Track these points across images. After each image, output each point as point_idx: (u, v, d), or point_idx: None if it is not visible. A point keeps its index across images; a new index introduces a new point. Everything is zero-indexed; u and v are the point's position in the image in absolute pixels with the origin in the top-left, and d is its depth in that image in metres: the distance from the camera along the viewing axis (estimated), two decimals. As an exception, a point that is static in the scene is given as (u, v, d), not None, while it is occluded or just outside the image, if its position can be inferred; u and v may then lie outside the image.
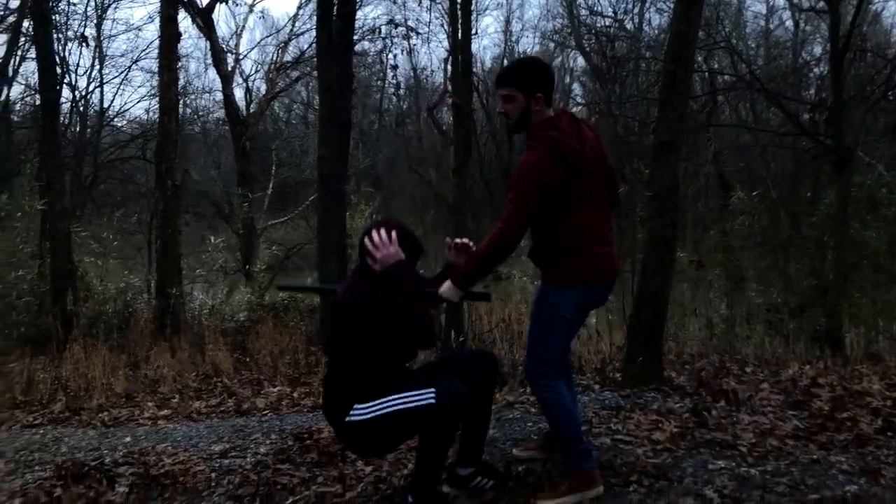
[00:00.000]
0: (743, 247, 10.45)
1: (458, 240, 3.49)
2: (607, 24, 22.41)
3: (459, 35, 5.85)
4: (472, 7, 5.99)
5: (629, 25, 22.81)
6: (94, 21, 18.03)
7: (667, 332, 7.57)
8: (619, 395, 4.95)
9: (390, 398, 3.00)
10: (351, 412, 3.07)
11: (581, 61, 25.28)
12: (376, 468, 3.91)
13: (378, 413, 3.01)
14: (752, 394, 4.86)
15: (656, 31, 21.64)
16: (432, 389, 2.95)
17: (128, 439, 4.74)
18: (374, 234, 3.12)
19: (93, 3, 17.35)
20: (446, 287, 3.30)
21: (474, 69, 29.12)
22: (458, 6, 5.78)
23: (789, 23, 20.92)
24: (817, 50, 19.30)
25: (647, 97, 11.59)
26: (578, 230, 3.28)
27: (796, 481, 3.36)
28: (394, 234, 3.13)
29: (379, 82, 24.31)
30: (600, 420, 4.43)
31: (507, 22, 31.52)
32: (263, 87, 17.46)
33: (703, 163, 13.69)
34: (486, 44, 62.83)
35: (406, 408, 2.96)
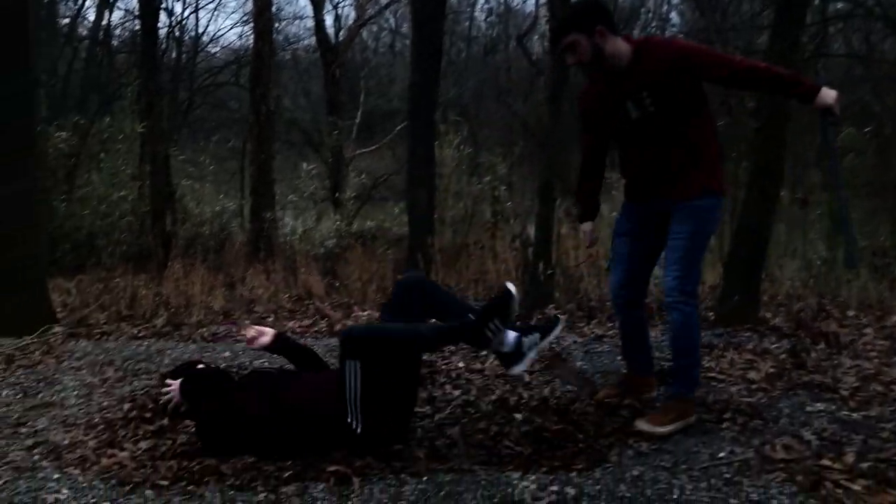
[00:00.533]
0: (854, 185, 9.89)
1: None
2: (711, -53, 21.15)
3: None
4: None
5: (735, -51, 21.48)
6: (189, -54, 18.17)
7: (763, 272, 7.34)
8: (712, 334, 4.85)
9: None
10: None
11: (681, -11, 24.02)
12: (465, 392, 3.97)
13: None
14: (854, 338, 4.68)
15: (764, -44, 20.30)
16: None
17: (227, 354, 4.95)
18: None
19: (189, -71, 17.47)
20: (820, 97, 3.00)
21: (567, -4, 28.20)
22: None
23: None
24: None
25: (753, 25, 10.97)
26: (716, 136, 3.36)
27: (906, 428, 3.23)
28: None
29: (468, 9, 23.83)
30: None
31: (605, -55, 30.03)
32: (353, 14, 17.41)
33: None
34: (579, -30, 60.38)
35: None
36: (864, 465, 2.84)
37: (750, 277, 4.99)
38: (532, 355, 3.27)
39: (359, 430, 3.13)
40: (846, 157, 9.09)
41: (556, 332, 3.38)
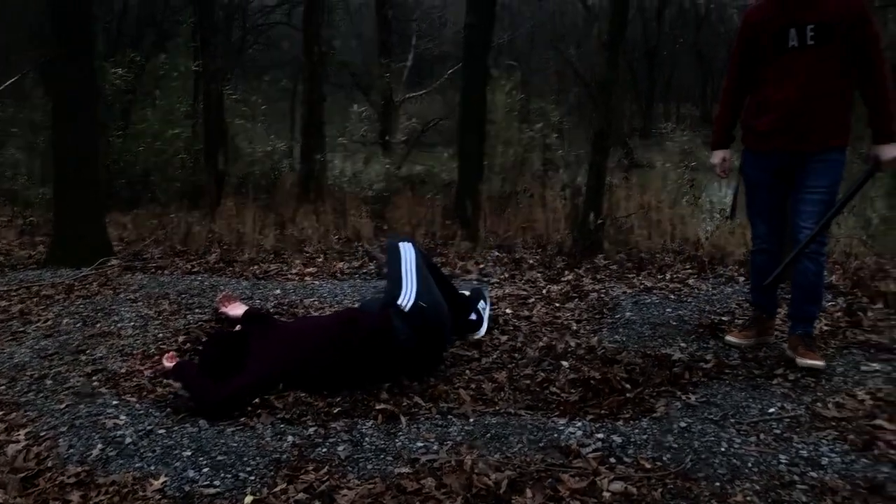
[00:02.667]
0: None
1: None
2: None
3: None
4: None
5: None
6: None
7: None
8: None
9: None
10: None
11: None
12: (511, 338, 3.99)
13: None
14: (910, 298, 4.55)
15: None
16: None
17: (278, 291, 5.04)
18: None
19: None
20: (886, 149, 3.28)
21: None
22: None
23: None
24: None
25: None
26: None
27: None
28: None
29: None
30: (744, 312, 4.31)
31: None
32: (406, -45, 17.06)
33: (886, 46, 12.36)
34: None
35: None
36: (919, 426, 2.80)
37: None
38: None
39: (409, 305, 3.41)
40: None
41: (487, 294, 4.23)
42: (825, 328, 3.98)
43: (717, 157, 3.74)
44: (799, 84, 3.33)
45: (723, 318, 4.19)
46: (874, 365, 3.46)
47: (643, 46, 27.31)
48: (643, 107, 27.20)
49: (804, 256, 3.40)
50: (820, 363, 3.37)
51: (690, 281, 5.10)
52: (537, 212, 7.64)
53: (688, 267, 5.61)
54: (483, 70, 7.46)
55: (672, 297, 4.70)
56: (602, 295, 4.77)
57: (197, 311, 4.62)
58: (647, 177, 10.62)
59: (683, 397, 3.14)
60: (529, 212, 7.85)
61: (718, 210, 9.00)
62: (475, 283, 5.15)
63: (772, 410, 2.99)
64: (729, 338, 3.80)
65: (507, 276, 5.49)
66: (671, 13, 28.43)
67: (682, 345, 3.80)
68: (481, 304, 4.21)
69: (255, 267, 5.90)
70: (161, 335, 4.13)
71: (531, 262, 5.94)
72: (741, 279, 5.10)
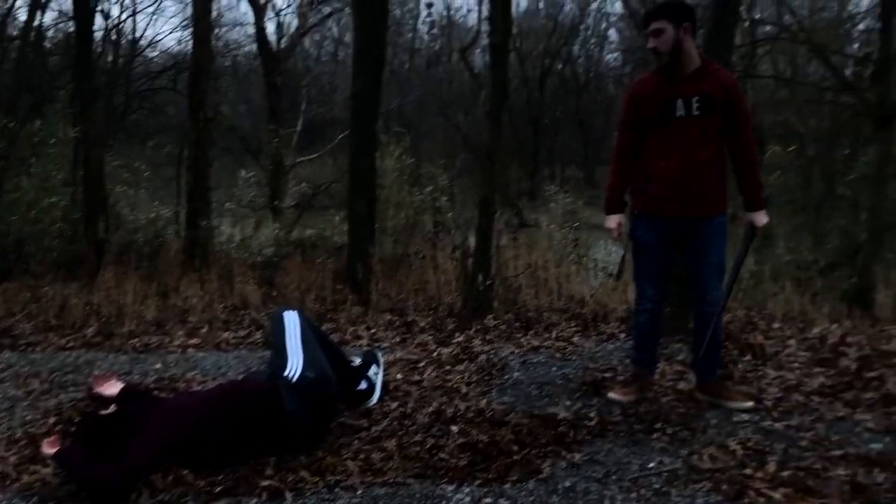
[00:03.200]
0: (775, 203, 10.26)
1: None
2: (648, -32, 21.74)
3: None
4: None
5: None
6: (127, -52, 17.80)
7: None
8: (644, 345, 4.96)
9: None
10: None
11: (619, 6, 24.62)
12: (401, 404, 3.98)
13: None
14: (778, 349, 4.84)
15: (698, -22, 20.94)
16: None
17: (158, 365, 4.85)
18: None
19: (126, -70, 17.12)
20: (759, 216, 3.69)
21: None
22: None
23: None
24: (864, 2, 18.61)
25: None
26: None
27: (821, 437, 3.37)
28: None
29: (412, 21, 23.94)
30: (625, 368, 4.46)
31: (546, -39, 30.61)
32: (295, 22, 17.26)
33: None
34: (521, -16, 61.41)
35: None
36: (785, 473, 2.96)
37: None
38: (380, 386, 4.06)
39: (295, 377, 3.36)
40: (773, 174, 9.43)
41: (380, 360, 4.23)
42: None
43: (612, 221, 3.81)
44: (686, 153, 3.56)
45: (605, 375, 4.33)
46: (744, 415, 3.64)
47: (528, 114, 28.39)
48: (530, 170, 28.13)
49: (712, 315, 3.66)
50: (748, 403, 3.68)
51: (575, 339, 5.26)
52: (429, 273, 7.72)
53: (573, 325, 5.79)
54: (371, 136, 7.57)
55: (558, 355, 4.83)
56: (491, 356, 4.85)
57: (71, 389, 4.38)
58: (534, 237, 10.94)
59: (568, 456, 3.20)
60: (422, 273, 7.92)
61: (602, 268, 9.36)
62: (367, 348, 5.12)
63: (651, 465, 3.09)
64: (611, 395, 3.92)
65: (398, 340, 5.49)
66: (553, 83, 29.78)
67: (567, 403, 3.90)
68: (373, 371, 4.19)
69: (136, 340, 5.67)
70: (30, 417, 3.89)
71: (423, 324, 5.97)
72: (622, 336, 5.29)
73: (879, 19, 8.15)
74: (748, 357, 4.62)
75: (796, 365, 4.49)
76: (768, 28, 14.37)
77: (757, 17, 15.65)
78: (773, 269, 9.23)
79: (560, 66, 30.27)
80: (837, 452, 3.19)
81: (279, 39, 17.96)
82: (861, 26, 15.95)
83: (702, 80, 3.56)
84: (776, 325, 5.66)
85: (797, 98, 12.25)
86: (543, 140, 30.40)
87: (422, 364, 4.74)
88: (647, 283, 3.81)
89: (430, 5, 17.32)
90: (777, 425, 3.53)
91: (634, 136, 3.73)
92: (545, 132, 30.37)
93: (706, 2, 6.75)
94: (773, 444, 3.28)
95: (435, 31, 24.97)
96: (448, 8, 24.88)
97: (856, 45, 15.31)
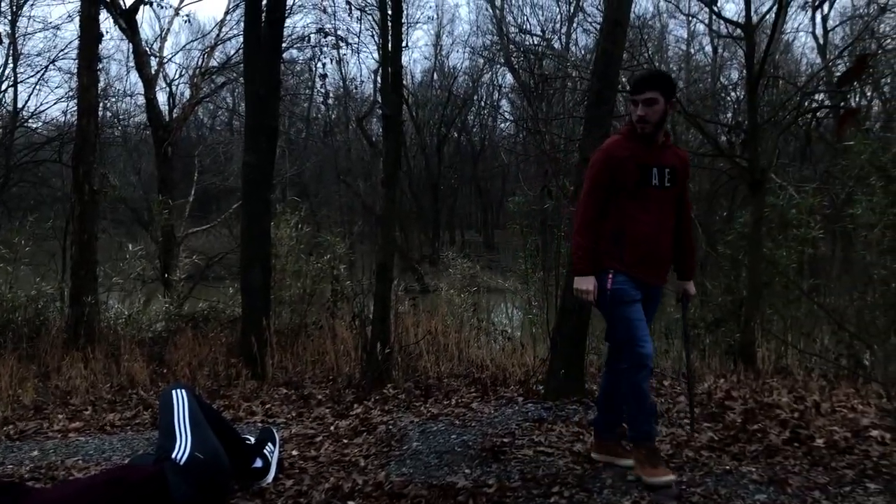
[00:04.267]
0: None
1: None
2: (535, 42, 22.81)
3: (389, 46, 5.84)
4: (403, 20, 6.00)
5: (556, 44, 23.27)
6: (9, 17, 17.30)
7: (589, 345, 7.73)
8: (541, 408, 5.01)
9: None
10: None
11: (509, 78, 25.63)
12: (297, 482, 3.85)
13: None
14: (669, 406, 4.98)
15: (582, 51, 22.17)
16: None
17: (35, 453, 4.53)
18: None
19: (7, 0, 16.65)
20: (691, 285, 3.94)
21: (404, 82, 29.32)
22: (389, 18, 5.77)
23: (709, 48, 21.71)
24: (734, 75, 20.11)
25: (573, 115, 11.81)
26: None
27: (710, 491, 3.45)
28: None
29: (308, 91, 24.12)
30: (523, 432, 4.48)
31: (438, 36, 31.76)
32: (188, 92, 17.04)
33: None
34: (416, 57, 63.30)
35: None
36: (677, 530, 3.00)
37: (575, 352, 5.22)
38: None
39: (184, 458, 3.21)
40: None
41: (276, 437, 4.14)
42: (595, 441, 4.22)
43: (588, 283, 3.64)
44: (657, 220, 3.65)
45: (504, 440, 4.33)
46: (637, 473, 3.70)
47: (427, 180, 28.86)
48: (431, 236, 28.44)
49: (650, 372, 3.72)
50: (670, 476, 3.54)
51: (474, 405, 5.25)
52: (327, 344, 7.60)
53: (472, 390, 5.78)
54: (265, 205, 7.49)
55: (457, 422, 4.80)
56: (390, 426, 4.77)
57: (-68, 485, 4.01)
58: (435, 302, 10.98)
59: (467, 526, 3.16)
60: (320, 344, 7.78)
61: (501, 331, 9.46)
62: (263, 425, 4.95)
63: (549, 530, 3.08)
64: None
65: (294, 414, 5.34)
66: (450, 150, 30.50)
67: (467, 471, 3.86)
68: (269, 448, 4.04)
69: (10, 427, 5.28)
70: None
71: (320, 397, 5.84)
72: (520, 399, 5.32)
73: (746, 90, 8.77)
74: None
75: (686, 421, 4.62)
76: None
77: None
78: (665, 327, 9.58)
79: (456, 135, 31.08)
80: (725, 506, 3.28)
81: (171, 109, 17.70)
82: (733, 95, 17.18)
83: (667, 152, 3.69)
84: (667, 383, 5.83)
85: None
86: (443, 206, 30.91)
87: (319, 438, 4.62)
88: (645, 337, 3.58)
89: (323, 76, 17.47)
90: (671, 482, 3.59)
91: (605, 198, 3.66)
92: (445, 198, 30.92)
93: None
94: (666, 501, 3.34)
95: (331, 101, 25.20)
96: (344, 79, 25.13)
97: (729, 114, 16.44)
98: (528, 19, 24.63)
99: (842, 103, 12.76)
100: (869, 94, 18.86)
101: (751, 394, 5.31)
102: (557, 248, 7.43)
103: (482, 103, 31.13)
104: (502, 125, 30.36)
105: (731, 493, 3.43)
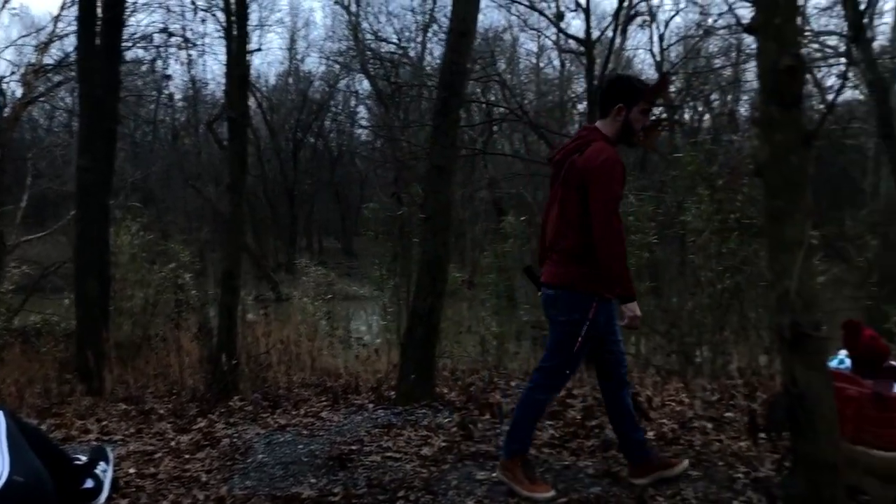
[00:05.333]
0: (514, 267, 11.09)
1: None
2: (392, 49, 22.95)
3: (235, 48, 5.70)
4: (251, 22, 5.88)
5: (412, 53, 23.52)
6: None
7: (442, 350, 7.85)
8: (391, 413, 5.03)
9: None
10: None
11: (367, 84, 25.65)
12: (133, 500, 3.67)
13: None
14: (514, 406, 5.12)
15: (437, 61, 22.52)
16: None
17: None
18: None
19: None
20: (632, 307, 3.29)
21: (259, 85, 28.65)
22: (234, 19, 5.63)
23: (557, 62, 22.67)
24: (581, 88, 21.09)
25: (426, 123, 11.99)
26: None
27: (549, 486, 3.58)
28: None
29: (155, 93, 23.07)
30: (372, 438, 4.48)
31: (293, 40, 31.24)
32: (20, 90, 15.84)
33: (479, 188, 14.43)
34: (270, 60, 62.06)
35: None
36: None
37: (425, 357, 5.28)
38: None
39: (1, 483, 2.95)
40: (507, 241, 10.17)
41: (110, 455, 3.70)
42: (443, 444, 4.28)
43: (636, 308, 3.34)
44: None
45: (352, 448, 4.31)
46: (482, 474, 3.79)
47: (282, 185, 28.33)
48: (287, 242, 27.92)
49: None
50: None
51: (324, 414, 5.20)
52: (171, 356, 7.28)
53: (323, 399, 5.72)
54: (102, 211, 7.09)
55: (305, 432, 4.73)
56: (235, 439, 4.63)
57: None
58: (289, 310, 10.78)
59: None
60: (164, 357, 7.45)
61: (357, 338, 9.45)
62: (95, 444, 4.67)
63: (392, 534, 3.09)
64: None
65: (133, 431, 5.08)
66: (306, 155, 30.09)
67: (313, 480, 3.81)
68: (101, 468, 3.81)
69: None
70: None
71: (162, 412, 5.59)
72: (371, 406, 5.32)
73: (587, 103, 9.23)
74: (487, 416, 4.84)
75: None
76: (501, 109, 15.60)
77: (492, 98, 16.97)
78: (517, 330, 9.90)
79: (313, 140, 30.71)
80: (562, 500, 3.41)
81: (1, 108, 16.38)
82: (580, 107, 18.02)
83: None
84: (514, 384, 6.01)
85: (529, 171, 13.44)
86: (300, 212, 30.43)
87: (158, 455, 4.42)
88: (577, 368, 3.55)
89: (166, 77, 16.74)
90: (511, 480, 3.70)
91: None
92: (302, 204, 30.44)
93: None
94: (507, 499, 3.44)
95: (176, 103, 24.25)
96: (193, 80, 24.20)
97: (575, 126, 17.19)
98: (383, 27, 24.74)
99: (664, 115, 13.70)
100: (700, 109, 20.38)
101: (591, 391, 5.56)
102: (407, 253, 7.50)
103: (339, 108, 30.98)
104: (359, 131, 30.33)
105: (569, 486, 3.58)
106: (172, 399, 6.02)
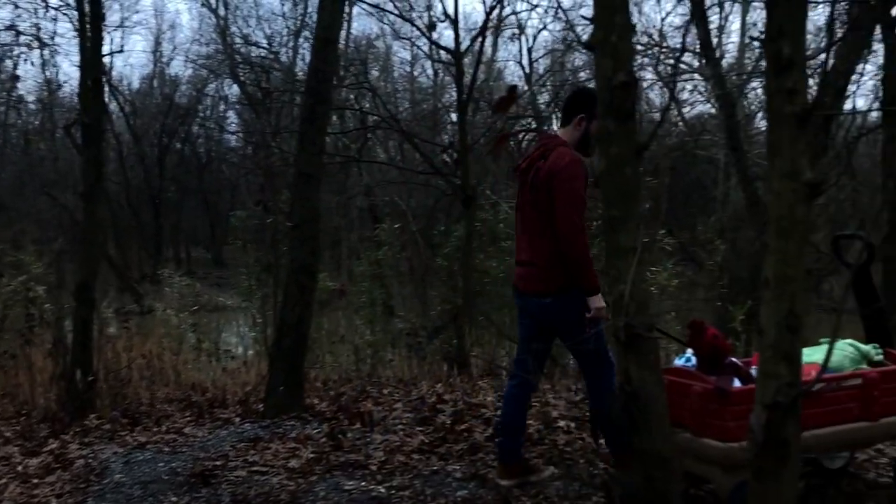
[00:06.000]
0: (388, 275, 11.12)
1: None
2: (262, 54, 22.47)
3: (89, 49, 5.42)
4: (111, 22, 5.62)
5: (284, 58, 23.12)
6: None
7: (314, 360, 7.75)
8: (259, 426, 4.92)
9: None
10: None
11: (236, 89, 24.97)
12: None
13: None
14: (386, 414, 5.14)
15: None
16: None
17: None
18: None
19: None
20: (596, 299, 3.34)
21: (122, 88, 27.31)
22: (87, 19, 5.36)
23: (431, 71, 22.89)
24: (453, 98, 21.36)
25: (296, 130, 11.82)
26: None
27: (417, 492, 3.62)
28: None
29: (4, 94, 21.52)
30: (238, 453, 4.37)
31: (157, 42, 29.96)
32: None
33: (354, 195, 14.37)
34: (134, 62, 59.42)
35: None
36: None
37: (294, 367, 5.20)
38: None
39: None
40: (381, 249, 10.18)
41: None
42: (311, 455, 4.23)
43: (600, 301, 3.36)
44: None
45: (216, 463, 4.18)
46: (350, 483, 3.78)
47: (146, 192, 27.13)
48: (152, 252, 26.75)
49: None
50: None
51: (187, 429, 5.02)
52: (21, 375, 6.80)
53: (187, 415, 5.53)
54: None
55: (167, 449, 4.55)
56: (90, 460, 4.39)
57: None
58: (152, 323, 10.33)
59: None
60: (13, 376, 6.95)
61: (224, 351, 9.16)
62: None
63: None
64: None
65: (-27, 457, 4.71)
66: (172, 161, 28.94)
67: (174, 499, 3.67)
68: None
69: None
70: None
71: (9, 434, 5.23)
72: (238, 420, 5.19)
73: (457, 113, 9.40)
74: (357, 425, 4.82)
75: (401, 426, 4.80)
76: (376, 117, 15.57)
77: (367, 106, 16.88)
78: (392, 337, 9.91)
79: (179, 146, 29.58)
80: (431, 505, 3.46)
81: None
82: (453, 116, 18.23)
83: None
84: (386, 392, 6.02)
85: (404, 179, 13.50)
86: (167, 221, 29.22)
87: (3, 481, 4.12)
88: (609, 358, 3.52)
89: (15, 78, 15.66)
90: (381, 488, 3.71)
91: None
92: (168, 212, 29.23)
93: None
94: (374, 508, 3.44)
95: (26, 105, 22.77)
96: (49, 82, 22.72)
97: (447, 135, 17.39)
98: (253, 31, 24.14)
99: (531, 126, 14.19)
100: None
101: (462, 396, 5.65)
102: (276, 262, 7.36)
103: (207, 113, 29.97)
104: (229, 137, 29.43)
105: (437, 492, 3.63)
106: (21, 420, 5.64)
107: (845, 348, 3.39)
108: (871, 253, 3.72)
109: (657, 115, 15.45)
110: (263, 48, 22.63)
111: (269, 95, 14.11)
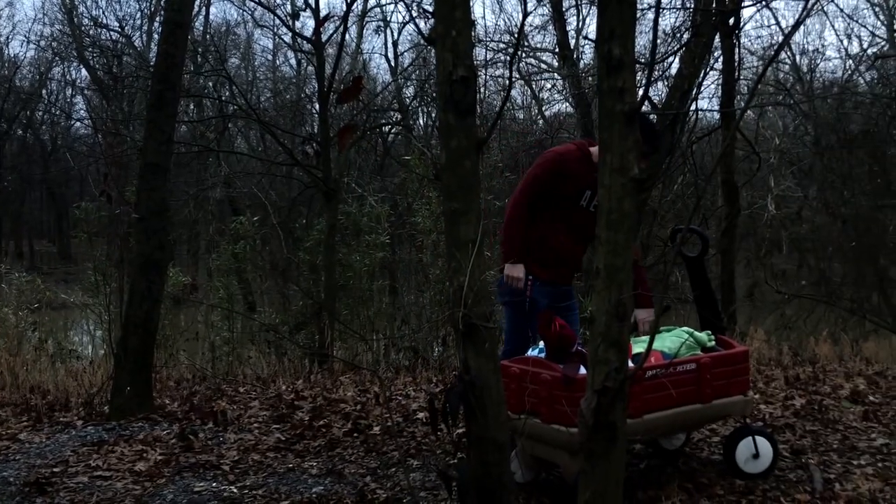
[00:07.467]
0: (247, 270, 10.81)
1: None
2: (114, 37, 21.26)
3: None
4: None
5: (137, 42, 21.99)
6: None
7: (166, 359, 7.43)
8: (103, 429, 4.66)
9: None
10: None
11: (85, 73, 23.50)
12: None
13: None
14: (241, 412, 5.01)
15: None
16: None
17: None
18: None
19: None
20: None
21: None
22: None
23: (294, 60, 22.42)
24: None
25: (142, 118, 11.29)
26: None
27: (272, 491, 3.55)
28: None
29: None
30: (79, 458, 4.13)
31: (-6, 20, 27.73)
32: None
33: (212, 186, 13.88)
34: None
35: None
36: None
37: (141, 367, 4.96)
38: None
39: None
40: (238, 243, 9.88)
41: None
42: (160, 457, 4.06)
43: (517, 270, 3.63)
44: (581, 238, 3.75)
45: (54, 470, 3.93)
46: (202, 484, 3.65)
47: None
48: (-11, 246, 24.80)
49: None
50: None
51: (23, 435, 4.67)
52: None
53: (24, 420, 5.15)
54: None
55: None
56: None
57: None
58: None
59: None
60: None
61: (71, 350, 8.62)
62: None
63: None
64: None
65: None
66: (13, 148, 26.90)
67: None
68: None
69: None
70: None
71: None
72: (80, 423, 4.89)
73: (319, 103, 9.26)
74: (210, 424, 4.67)
75: (256, 425, 4.70)
76: (235, 107, 15.08)
77: (227, 95, 16.35)
78: (251, 333, 9.64)
79: (21, 132, 27.52)
80: (285, 502, 3.39)
81: None
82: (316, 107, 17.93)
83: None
84: (242, 390, 5.86)
85: (266, 171, 13.15)
86: (6, 212, 27.14)
87: None
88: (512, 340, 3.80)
89: None
90: (233, 488, 3.61)
91: (537, 202, 3.68)
92: (9, 203, 27.16)
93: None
94: (224, 508, 3.34)
95: None
96: None
97: (309, 126, 17.13)
98: (104, 13, 22.73)
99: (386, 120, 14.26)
100: (434, 114, 21.28)
101: (321, 392, 5.58)
102: (123, 256, 6.98)
103: (53, 99, 28.01)
104: (76, 124, 27.63)
105: (292, 489, 3.57)
106: None
107: (682, 335, 3.61)
108: (706, 245, 4.02)
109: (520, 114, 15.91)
110: (115, 31, 21.40)
111: (120, 81, 13.35)
